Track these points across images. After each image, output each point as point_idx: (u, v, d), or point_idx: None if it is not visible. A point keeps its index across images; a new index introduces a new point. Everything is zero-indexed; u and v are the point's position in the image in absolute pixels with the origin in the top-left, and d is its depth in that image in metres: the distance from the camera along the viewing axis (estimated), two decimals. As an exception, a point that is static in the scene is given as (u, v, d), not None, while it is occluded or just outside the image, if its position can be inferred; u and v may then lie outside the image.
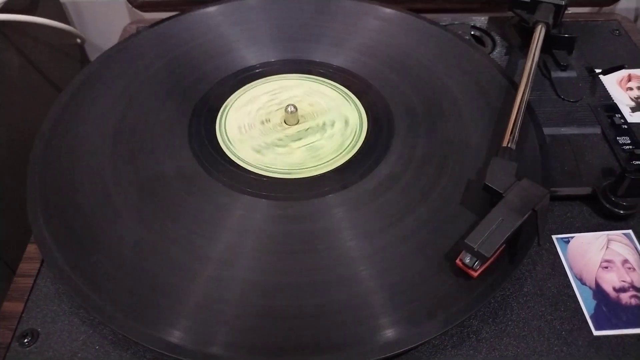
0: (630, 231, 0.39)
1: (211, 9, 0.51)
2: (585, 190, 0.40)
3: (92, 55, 0.74)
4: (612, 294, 0.36)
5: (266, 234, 0.35)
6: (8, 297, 0.35)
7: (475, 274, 0.32)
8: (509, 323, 0.34)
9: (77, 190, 0.37)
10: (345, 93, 0.45)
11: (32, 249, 0.38)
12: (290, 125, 0.43)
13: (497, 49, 0.53)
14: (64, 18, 0.69)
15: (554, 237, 0.39)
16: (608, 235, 0.39)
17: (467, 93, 0.44)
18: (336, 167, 0.40)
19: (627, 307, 0.35)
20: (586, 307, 0.35)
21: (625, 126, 0.44)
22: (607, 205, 0.39)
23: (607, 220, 0.40)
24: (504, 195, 0.33)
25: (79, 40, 0.69)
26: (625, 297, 0.35)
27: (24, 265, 0.37)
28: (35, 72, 0.60)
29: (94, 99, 0.43)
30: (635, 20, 0.70)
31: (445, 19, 0.56)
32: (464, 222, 0.35)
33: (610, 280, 0.36)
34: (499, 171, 0.35)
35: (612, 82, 0.49)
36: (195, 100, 0.44)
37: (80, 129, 0.41)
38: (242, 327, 0.31)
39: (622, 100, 0.48)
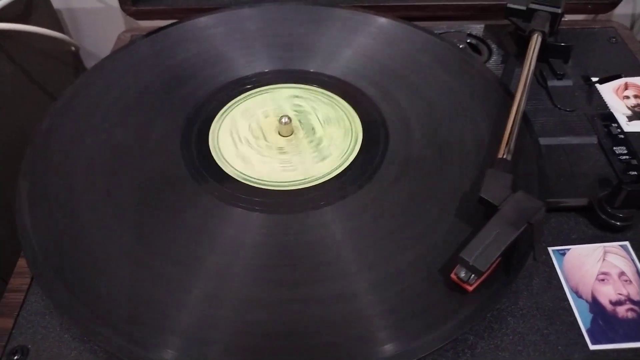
0: (627, 243, 0.38)
1: (205, 19, 0.51)
2: (581, 202, 0.40)
3: (88, 62, 0.74)
4: (609, 307, 0.35)
5: (259, 248, 0.35)
6: (-2, 313, 0.35)
7: (471, 288, 0.32)
8: (505, 338, 0.34)
9: (68, 201, 0.37)
10: (340, 103, 0.45)
11: (23, 263, 0.38)
12: (284, 136, 0.42)
13: (494, 57, 0.53)
14: (59, 25, 0.69)
15: (549, 249, 0.38)
16: (605, 247, 0.38)
17: (463, 102, 0.44)
18: (330, 178, 0.39)
19: (624, 321, 0.34)
20: (582, 321, 0.34)
21: (622, 136, 0.44)
22: (604, 217, 0.38)
23: (603, 231, 0.39)
24: (499, 207, 0.33)
25: (73, 48, 0.68)
26: (621, 311, 0.35)
27: (14, 280, 0.37)
28: (28, 80, 0.60)
29: (86, 110, 0.43)
30: (632, 27, 0.70)
31: (441, 27, 0.56)
32: (459, 235, 0.35)
33: (607, 293, 0.36)
34: (494, 183, 0.34)
35: (609, 91, 0.49)
36: (187, 112, 0.44)
37: (71, 141, 0.41)
38: (235, 345, 0.31)
39: (619, 109, 0.47)
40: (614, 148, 0.43)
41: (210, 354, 0.30)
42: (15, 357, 0.33)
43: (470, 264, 0.30)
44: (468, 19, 0.59)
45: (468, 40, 0.54)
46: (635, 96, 0.49)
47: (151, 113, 0.43)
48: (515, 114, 0.39)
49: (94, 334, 0.31)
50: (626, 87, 0.50)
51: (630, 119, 0.46)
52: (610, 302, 0.35)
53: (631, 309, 0.35)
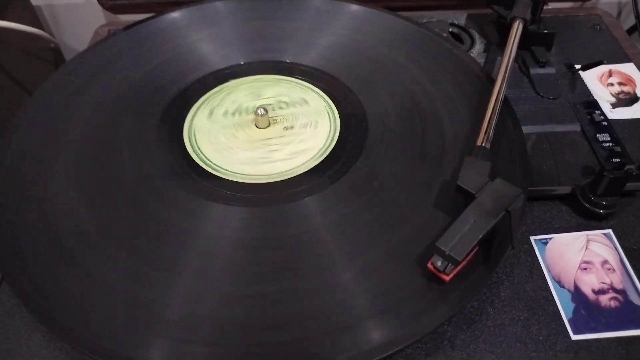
0: (610, 231, 0.38)
1: (179, 13, 0.50)
2: (564, 190, 0.39)
3: (69, 57, 0.73)
4: (592, 296, 0.35)
5: (241, 242, 0.34)
6: (-34, 313, 0.34)
7: (447, 278, 0.31)
8: (485, 329, 0.33)
9: (39, 198, 0.36)
10: (318, 93, 0.44)
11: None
12: (261, 128, 0.42)
13: (476, 47, 0.52)
14: (37, 21, 0.67)
15: (532, 238, 0.37)
16: (587, 235, 0.38)
17: (445, 91, 0.43)
18: (309, 170, 0.38)
19: (607, 310, 0.34)
20: (564, 311, 0.34)
21: (605, 123, 0.43)
22: (587, 205, 0.38)
23: (586, 220, 0.39)
24: (476, 195, 0.32)
25: (52, 45, 0.67)
26: (604, 300, 0.34)
27: (-17, 279, 0.36)
28: (6, 76, 0.59)
29: (59, 106, 0.42)
30: (619, 15, 0.69)
31: (423, 16, 0.55)
32: (437, 224, 0.34)
33: (590, 282, 0.35)
34: (472, 171, 0.34)
35: (593, 78, 0.48)
36: (163, 106, 0.43)
37: (45, 137, 0.40)
38: (221, 342, 0.30)
39: (603, 96, 0.47)
40: (597, 135, 0.42)
41: (192, 353, 0.29)
42: (-17, 358, 0.32)
43: (447, 253, 0.29)
44: (450, 8, 0.58)
45: (450, 30, 0.53)
46: (620, 83, 0.48)
47: (125, 108, 0.42)
48: (495, 101, 0.39)
49: (65, 334, 0.30)
50: (610, 74, 0.49)
51: (614, 106, 0.46)
52: (593, 291, 0.35)
53: (614, 298, 0.34)
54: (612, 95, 0.47)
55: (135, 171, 0.38)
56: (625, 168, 0.36)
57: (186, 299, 0.31)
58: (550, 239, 0.37)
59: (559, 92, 0.46)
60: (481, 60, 0.50)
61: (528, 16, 0.47)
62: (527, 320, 0.33)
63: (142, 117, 0.42)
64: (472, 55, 0.50)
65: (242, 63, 0.46)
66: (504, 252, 0.33)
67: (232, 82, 0.45)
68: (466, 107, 0.42)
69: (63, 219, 0.35)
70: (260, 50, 0.47)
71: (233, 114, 0.43)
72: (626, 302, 0.34)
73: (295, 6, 0.50)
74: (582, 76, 0.48)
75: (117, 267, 0.33)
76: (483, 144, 0.36)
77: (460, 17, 0.55)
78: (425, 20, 0.54)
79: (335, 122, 0.42)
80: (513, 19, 0.46)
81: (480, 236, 0.30)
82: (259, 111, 0.41)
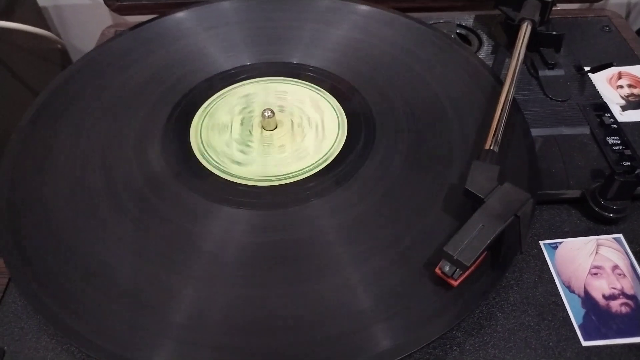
0: (620, 235, 0.37)
1: (186, 13, 0.50)
2: (574, 194, 0.39)
3: (76, 59, 0.73)
4: (602, 301, 0.34)
5: (249, 246, 0.34)
6: (-27, 315, 0.34)
7: (455, 283, 0.30)
8: (494, 334, 0.33)
9: (46, 200, 0.36)
10: (325, 95, 0.44)
11: (0, 262, 0.37)
12: (268, 131, 0.41)
13: (484, 48, 0.51)
14: (44, 22, 0.68)
15: (541, 242, 0.37)
16: (597, 240, 0.37)
17: (453, 93, 0.43)
18: (316, 172, 0.38)
19: (617, 316, 0.33)
20: (575, 316, 0.33)
21: (615, 126, 0.43)
22: (597, 209, 0.37)
23: (596, 224, 0.38)
24: (484, 200, 0.32)
25: (59, 45, 0.67)
26: (615, 305, 0.34)
27: (-10, 281, 0.36)
28: (13, 77, 0.59)
29: (66, 107, 0.42)
30: (628, 16, 0.68)
31: (430, 17, 0.54)
32: (445, 229, 0.34)
33: (600, 288, 0.35)
34: (480, 175, 0.33)
35: (602, 80, 0.48)
36: (170, 107, 0.42)
37: (52, 137, 0.40)
38: (228, 345, 0.30)
39: (612, 99, 0.46)
40: (607, 138, 0.42)
41: (199, 355, 0.29)
42: (-10, 360, 0.32)
43: (455, 258, 0.29)
44: (459, 9, 0.58)
45: (458, 31, 0.53)
46: (629, 85, 0.48)
47: (132, 109, 0.42)
48: (503, 104, 0.38)
49: (72, 335, 0.30)
50: (620, 76, 0.48)
51: (624, 108, 0.45)
52: (604, 297, 0.34)
53: (625, 304, 0.34)
54: (622, 97, 0.46)
55: (142, 172, 0.38)
56: (636, 171, 0.36)
57: (193, 302, 0.31)
58: (560, 243, 0.37)
59: (568, 95, 0.45)
60: (489, 62, 0.49)
61: (536, 17, 0.46)
62: (536, 325, 0.33)
63: (149, 117, 0.42)
64: (480, 56, 0.49)
65: (248, 64, 0.46)
66: (512, 256, 0.32)
67: (239, 83, 0.45)
68: (474, 109, 0.41)
69: (70, 220, 0.35)
70: (267, 51, 0.47)
71: (240, 115, 0.43)
72: (637, 308, 0.34)
73: (302, 6, 0.50)
74: (591, 78, 0.47)
75: (124, 269, 0.32)
76: (491, 147, 0.35)
77: (468, 19, 0.55)
78: (432, 22, 0.53)
79: (342, 124, 0.42)
80: (521, 21, 0.46)
81: (489, 241, 0.30)
82: (266, 113, 0.40)
